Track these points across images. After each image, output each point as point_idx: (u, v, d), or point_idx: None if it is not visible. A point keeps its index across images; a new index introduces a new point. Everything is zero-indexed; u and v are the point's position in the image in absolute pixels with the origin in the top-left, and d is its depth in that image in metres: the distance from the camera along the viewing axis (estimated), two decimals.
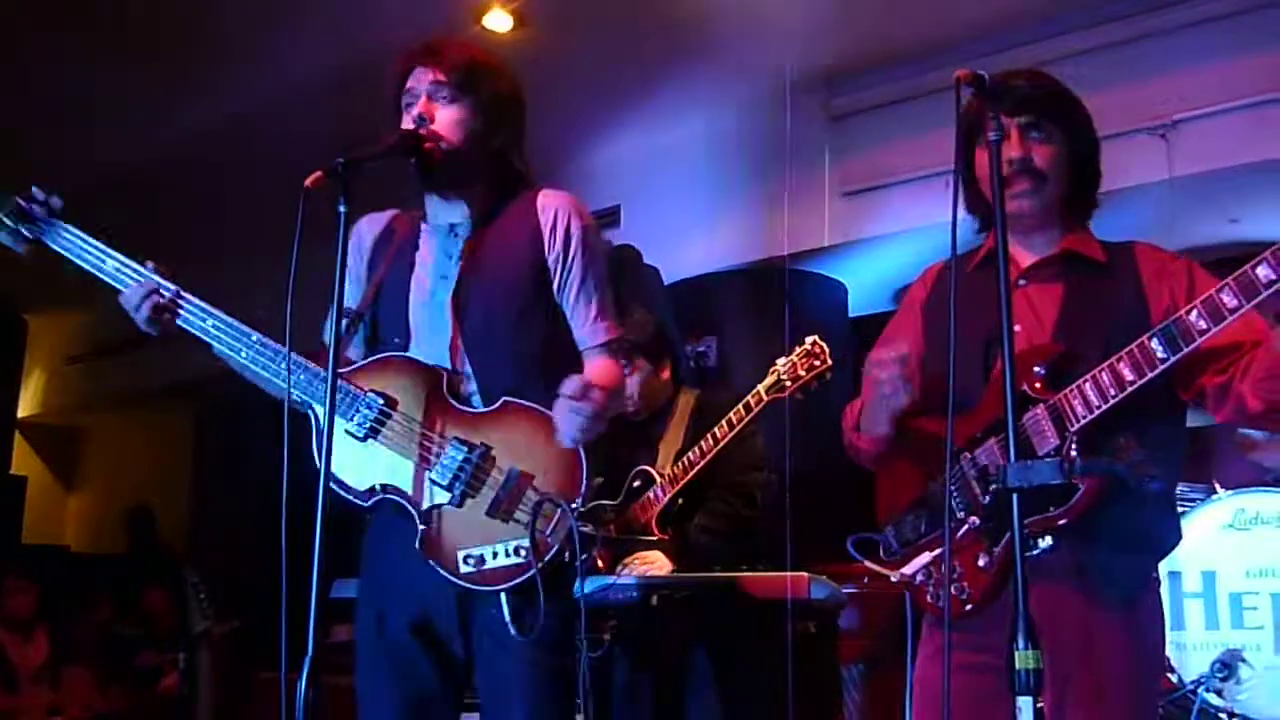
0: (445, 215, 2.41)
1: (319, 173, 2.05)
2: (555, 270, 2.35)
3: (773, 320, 3.60)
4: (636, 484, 3.51)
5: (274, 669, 1.97)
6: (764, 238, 5.73)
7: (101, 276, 2.34)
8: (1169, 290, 2.14)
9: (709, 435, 3.42)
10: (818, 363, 3.36)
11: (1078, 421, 2.02)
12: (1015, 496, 1.62)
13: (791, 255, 5.61)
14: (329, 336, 2.18)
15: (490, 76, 2.37)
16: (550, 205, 2.37)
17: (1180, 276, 2.16)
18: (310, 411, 2.27)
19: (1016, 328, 2.10)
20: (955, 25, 4.99)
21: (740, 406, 3.40)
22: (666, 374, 3.70)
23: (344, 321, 2.22)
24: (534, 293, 2.32)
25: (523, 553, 2.15)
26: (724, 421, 3.40)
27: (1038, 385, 2.10)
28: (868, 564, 2.32)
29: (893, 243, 5.53)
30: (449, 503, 2.21)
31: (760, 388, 3.39)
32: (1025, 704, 1.51)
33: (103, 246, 2.36)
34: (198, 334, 2.32)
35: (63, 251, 2.36)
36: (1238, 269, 1.91)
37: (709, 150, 5.93)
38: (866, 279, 5.92)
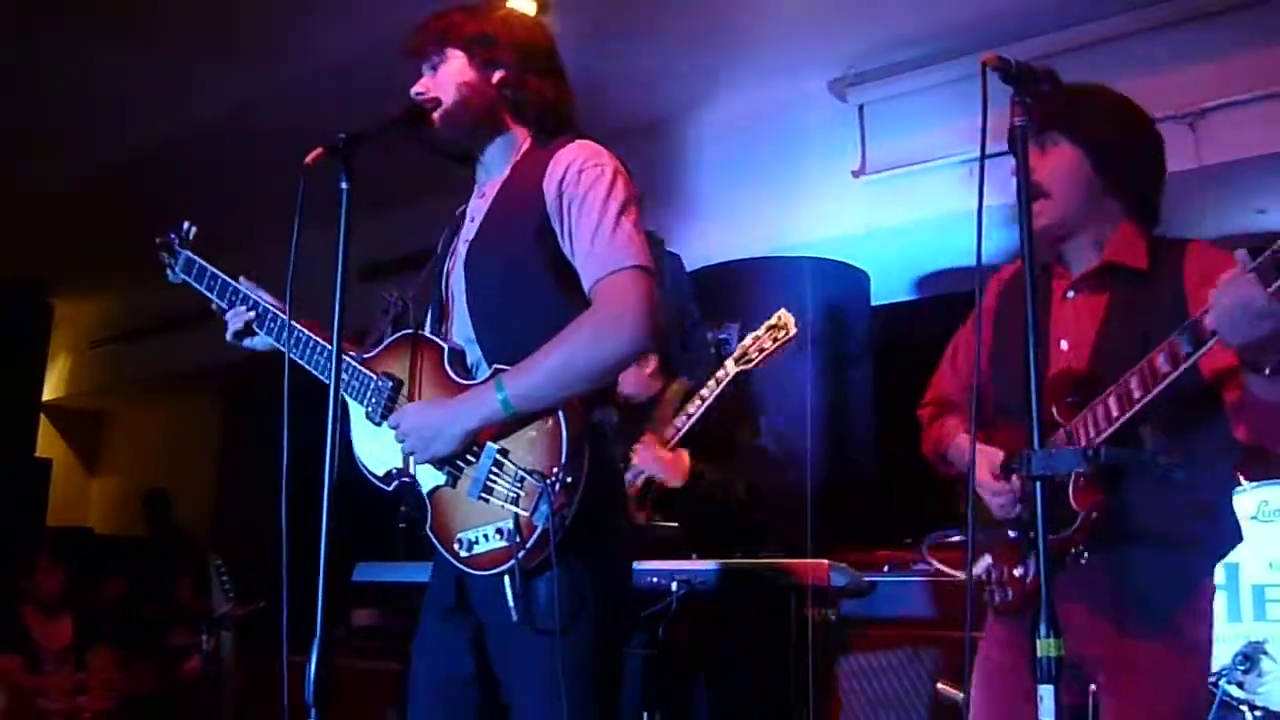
0: (482, 176, 2.35)
1: (319, 150, 2.03)
2: (557, 224, 2.16)
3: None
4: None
5: (301, 651, 1.99)
6: (786, 225, 5.72)
7: (211, 298, 2.47)
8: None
9: (682, 413, 3.50)
10: (781, 333, 3.46)
11: (1087, 443, 2.02)
12: (1039, 484, 1.62)
13: (812, 242, 5.59)
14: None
15: (474, 22, 2.30)
16: (562, 159, 2.19)
17: None
18: (347, 400, 2.27)
19: (1063, 343, 2.17)
20: (977, 11, 4.95)
21: (710, 381, 3.48)
22: (652, 366, 3.70)
23: (392, 306, 2.29)
24: (536, 254, 2.16)
25: (505, 535, 2.05)
26: (696, 397, 3.48)
27: (1064, 412, 2.10)
28: (936, 563, 2.39)
29: (915, 230, 5.50)
30: (444, 484, 2.16)
31: (728, 362, 3.47)
32: (1046, 692, 1.51)
33: (214, 270, 2.47)
34: (276, 346, 2.39)
35: (186, 279, 2.52)
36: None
37: (731, 137, 5.92)
38: (889, 267, 5.90)
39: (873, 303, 6.05)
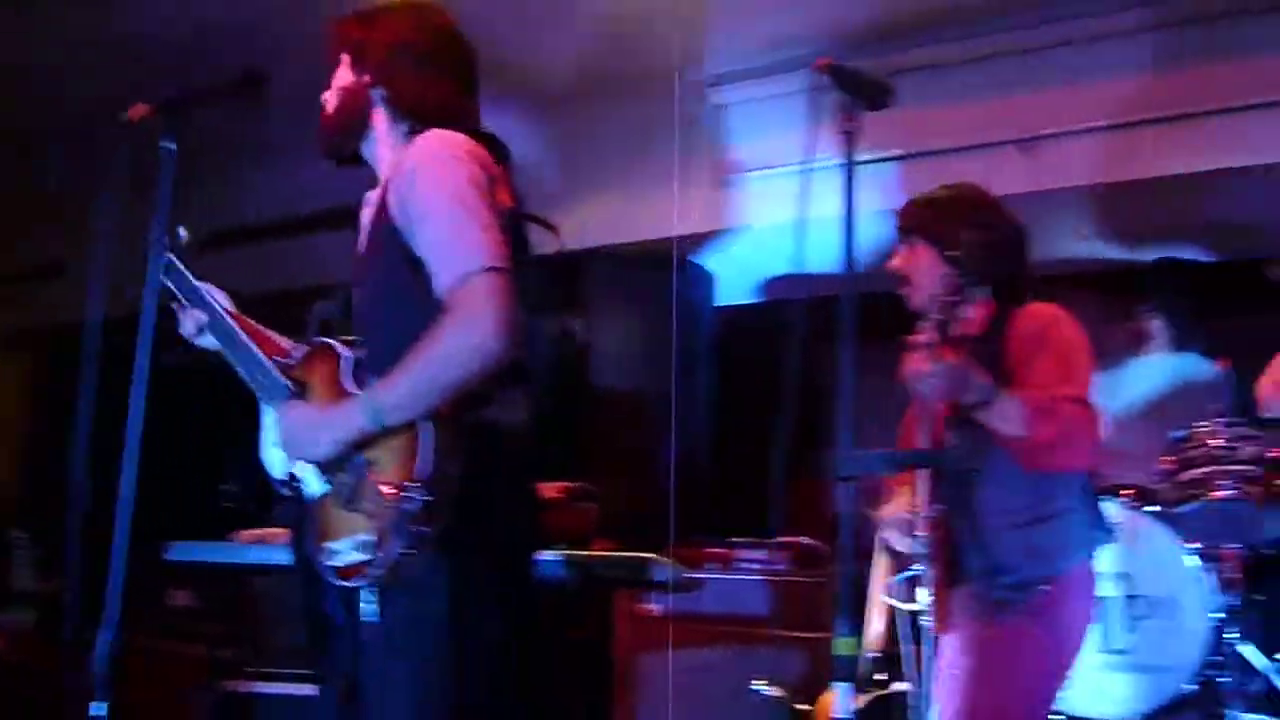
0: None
1: (144, 106, 1.95)
2: (404, 229, 2.14)
3: (640, 305, 3.60)
4: None
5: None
6: (639, 221, 5.73)
7: (179, 295, 2.46)
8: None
9: None
10: None
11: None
12: (847, 485, 1.68)
13: (662, 240, 5.62)
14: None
15: (354, 26, 2.33)
16: (404, 160, 2.17)
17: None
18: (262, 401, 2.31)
19: None
20: (832, 25, 5.04)
21: None
22: None
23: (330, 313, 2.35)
24: (398, 262, 2.13)
25: (365, 549, 2.04)
26: None
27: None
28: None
29: (764, 235, 5.58)
30: (325, 493, 2.16)
31: None
32: (842, 689, 1.55)
33: (183, 271, 2.46)
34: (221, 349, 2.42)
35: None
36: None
37: (591, 127, 5.89)
38: (735, 269, 5.97)
39: (716, 304, 6.13)
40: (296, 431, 2.15)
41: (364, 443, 2.08)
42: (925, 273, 2.71)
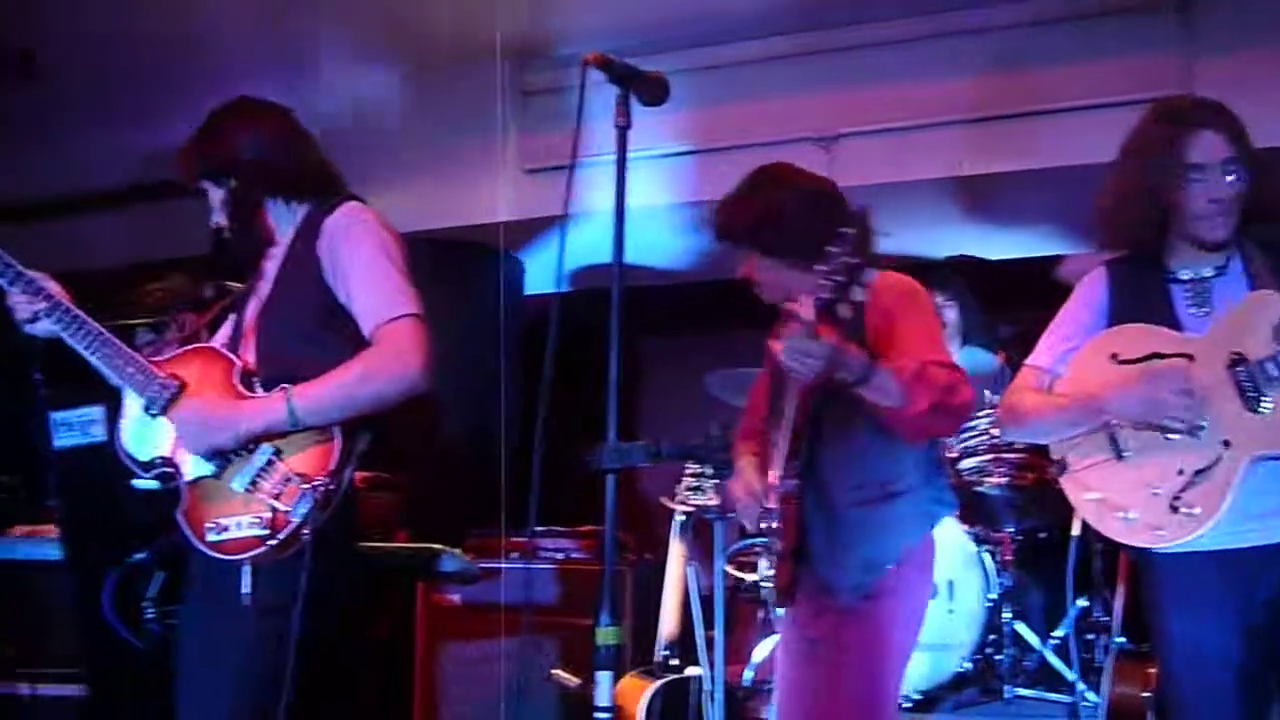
0: (276, 239, 2.65)
1: None
2: (331, 280, 2.48)
3: (440, 291, 3.54)
4: None
5: None
6: (441, 206, 5.65)
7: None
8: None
9: None
10: None
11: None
12: (610, 477, 1.69)
13: (467, 228, 5.56)
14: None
15: (201, 151, 2.60)
16: (330, 224, 2.52)
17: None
18: (123, 393, 2.53)
19: None
20: (645, 15, 5.07)
21: None
22: None
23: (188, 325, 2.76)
24: (313, 307, 2.48)
25: (260, 524, 2.34)
26: None
27: None
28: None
29: (572, 224, 5.56)
30: (210, 475, 2.42)
31: None
32: (604, 678, 1.56)
33: (7, 258, 2.54)
34: (59, 334, 2.55)
35: None
36: None
37: (394, 112, 5.78)
38: (543, 258, 5.96)
39: (526, 292, 6.11)
40: (207, 421, 2.41)
41: (269, 436, 2.39)
42: (766, 274, 2.69)
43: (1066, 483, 2.53)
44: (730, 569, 3.14)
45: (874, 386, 2.41)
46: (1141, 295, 2.52)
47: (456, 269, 5.51)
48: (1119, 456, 2.44)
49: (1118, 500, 2.42)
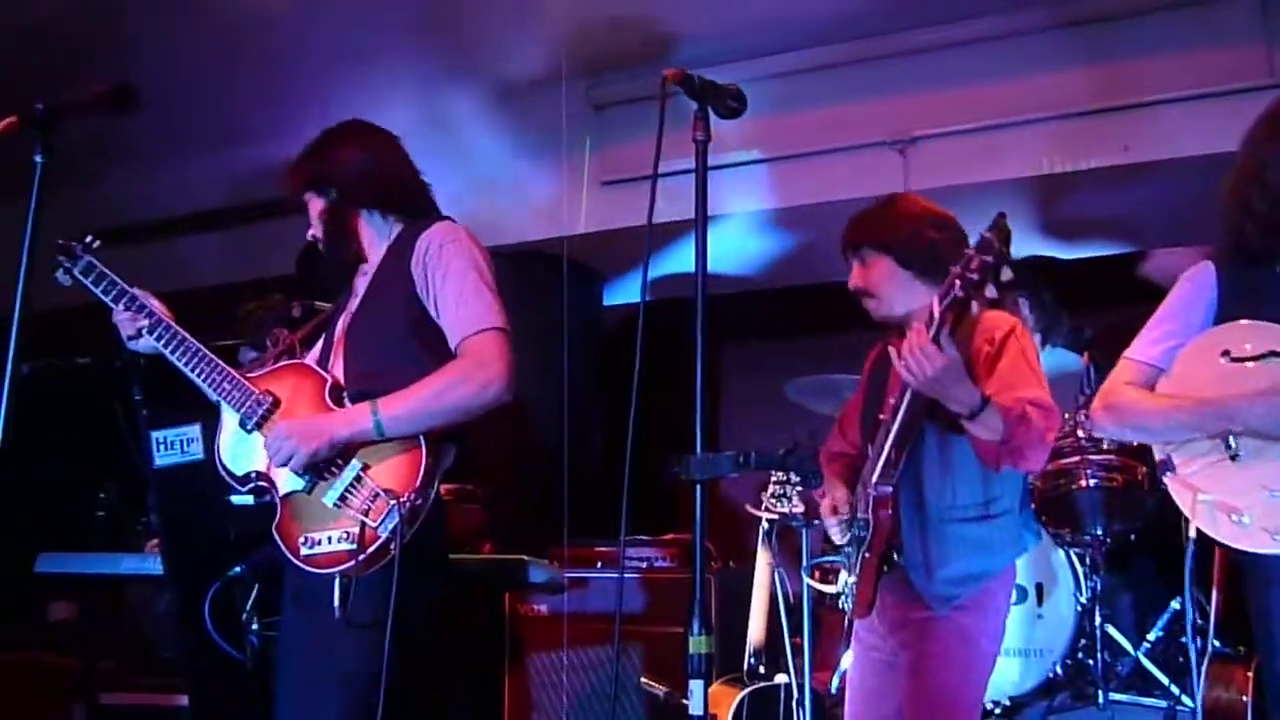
0: (368, 256, 2.74)
1: (12, 118, 1.95)
2: (423, 294, 2.55)
3: (519, 305, 3.60)
4: None
5: None
6: (526, 221, 5.73)
7: (105, 300, 2.69)
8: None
9: None
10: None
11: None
12: (699, 487, 1.70)
13: (547, 241, 5.62)
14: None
15: (308, 164, 2.70)
16: (423, 240, 2.59)
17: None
18: (220, 408, 2.62)
19: (890, 398, 2.61)
20: (709, 27, 5.09)
21: None
22: None
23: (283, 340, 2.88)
24: (404, 321, 2.55)
25: (349, 539, 2.38)
26: None
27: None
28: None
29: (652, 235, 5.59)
30: (302, 490, 2.48)
31: None
32: (697, 686, 1.57)
33: (114, 277, 2.69)
34: (160, 351, 2.67)
35: (83, 282, 2.70)
36: None
37: (473, 129, 5.87)
38: (621, 270, 6.00)
39: (607, 304, 6.15)
40: (300, 433, 2.45)
41: (355, 448, 2.44)
42: (884, 282, 2.72)
43: (1173, 484, 2.45)
44: (811, 581, 3.13)
45: (980, 422, 2.45)
46: (1253, 291, 2.44)
47: (534, 282, 5.57)
48: (1232, 458, 2.36)
49: (1231, 502, 2.34)
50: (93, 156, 4.69)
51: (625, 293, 6.23)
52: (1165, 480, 2.47)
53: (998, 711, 3.86)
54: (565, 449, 4.55)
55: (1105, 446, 4.05)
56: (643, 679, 3.99)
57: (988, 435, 2.46)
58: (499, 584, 3.09)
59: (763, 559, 3.85)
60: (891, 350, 2.48)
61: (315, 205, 2.71)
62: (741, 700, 3.61)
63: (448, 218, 2.70)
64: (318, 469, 2.47)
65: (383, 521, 2.37)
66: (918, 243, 2.69)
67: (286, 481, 2.52)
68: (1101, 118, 4.88)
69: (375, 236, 2.71)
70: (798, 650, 3.50)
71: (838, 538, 2.75)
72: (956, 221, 2.75)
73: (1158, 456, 2.50)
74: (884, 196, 2.88)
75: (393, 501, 2.37)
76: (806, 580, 3.11)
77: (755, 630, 3.81)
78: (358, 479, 2.44)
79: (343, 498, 2.44)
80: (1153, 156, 4.76)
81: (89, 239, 2.75)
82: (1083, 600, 4.02)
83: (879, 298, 2.74)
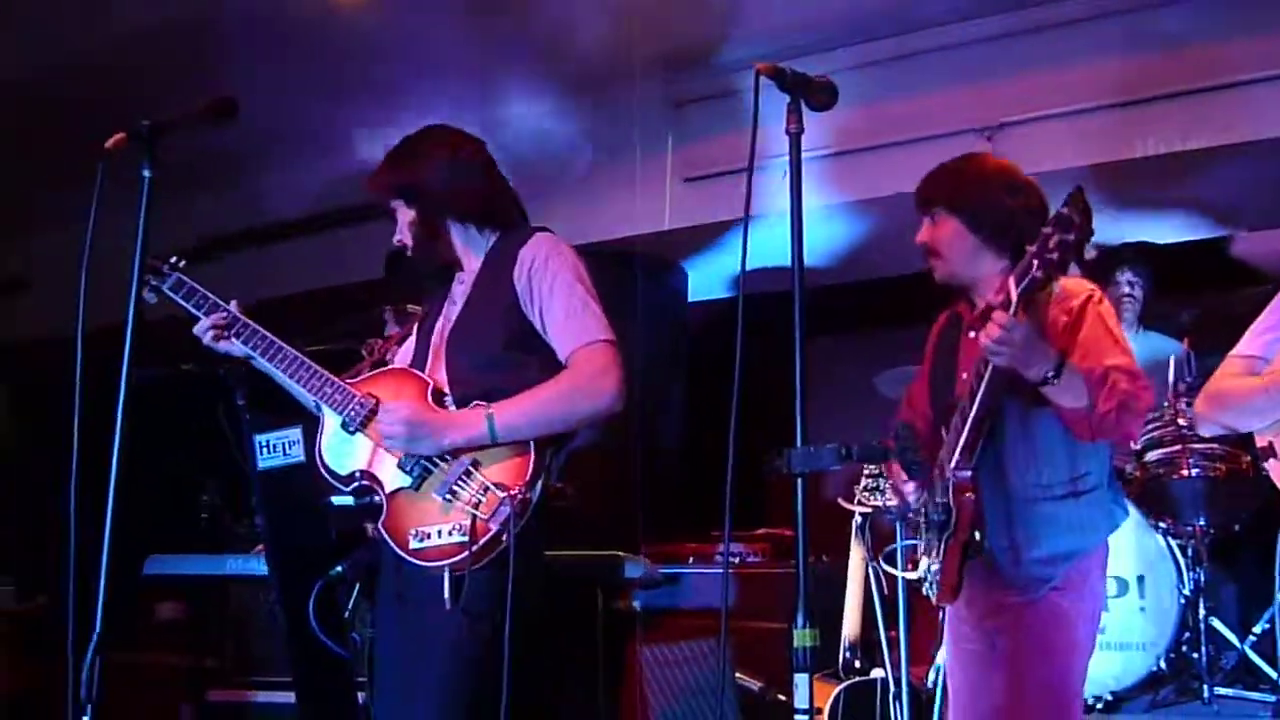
0: (464, 265, 2.76)
1: (121, 135, 2.01)
2: (527, 304, 2.59)
3: (606, 303, 3.62)
4: None
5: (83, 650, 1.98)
6: (604, 219, 5.75)
7: (195, 314, 2.74)
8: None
9: None
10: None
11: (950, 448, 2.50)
12: (799, 481, 1.70)
13: (631, 238, 5.64)
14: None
15: (397, 172, 2.69)
16: (527, 252, 2.62)
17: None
18: (320, 413, 2.66)
19: (963, 374, 2.58)
20: (797, 18, 5.07)
21: None
22: None
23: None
24: (504, 330, 2.58)
25: (460, 532, 2.43)
26: None
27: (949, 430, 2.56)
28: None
29: (732, 230, 5.61)
30: (409, 486, 2.52)
31: None
32: (801, 680, 1.57)
33: (204, 291, 2.75)
34: (251, 354, 2.72)
35: (173, 297, 2.75)
36: None
37: (550, 129, 5.91)
38: (705, 265, 6.00)
39: (690, 299, 6.16)
40: (417, 426, 2.51)
41: (468, 449, 2.49)
42: (951, 243, 2.62)
43: (1275, 469, 2.43)
44: (887, 567, 3.10)
45: (1063, 385, 2.36)
46: None
47: (620, 280, 5.59)
48: None
49: None
50: (193, 169, 4.81)
51: (708, 287, 6.23)
52: (1266, 467, 2.43)
53: (1099, 706, 3.80)
54: (639, 445, 4.56)
55: (1207, 435, 3.96)
56: (738, 674, 3.99)
57: (1071, 401, 2.39)
58: (594, 580, 3.11)
59: (856, 553, 3.83)
60: (976, 336, 2.42)
61: (404, 215, 2.72)
62: (838, 695, 3.60)
63: (544, 228, 2.73)
64: (426, 465, 2.52)
65: (494, 515, 2.41)
66: (990, 207, 2.59)
67: (393, 478, 2.56)
68: (1193, 98, 4.77)
69: (468, 245, 2.74)
70: (893, 644, 3.49)
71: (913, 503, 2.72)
72: (1036, 188, 2.63)
73: (1259, 443, 2.46)
74: (964, 156, 2.76)
75: (504, 494, 2.41)
76: (884, 568, 3.06)
77: (850, 624, 3.79)
78: (467, 473, 2.48)
79: (452, 492, 2.48)
80: (1249, 136, 4.64)
81: (174, 258, 2.79)
82: (1185, 592, 3.94)
83: (945, 258, 2.65)
